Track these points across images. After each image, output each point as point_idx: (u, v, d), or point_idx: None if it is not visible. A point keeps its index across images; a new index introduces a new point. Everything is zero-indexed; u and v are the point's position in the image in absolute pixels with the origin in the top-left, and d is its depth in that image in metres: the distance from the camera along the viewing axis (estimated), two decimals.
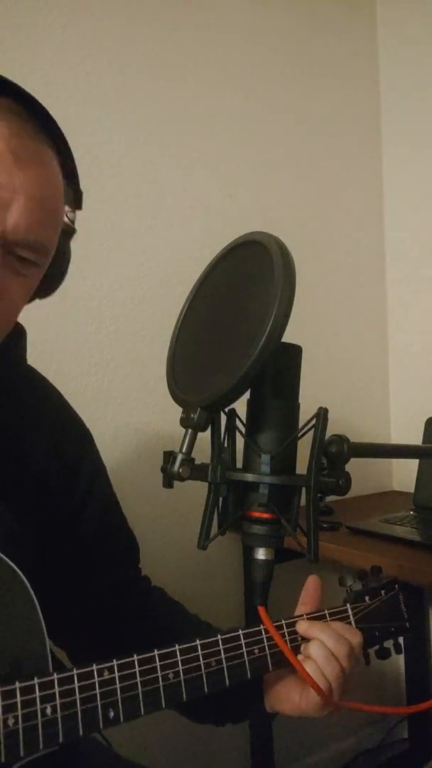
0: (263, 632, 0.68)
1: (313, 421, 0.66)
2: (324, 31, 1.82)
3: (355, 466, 0.66)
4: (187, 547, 1.42)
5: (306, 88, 1.77)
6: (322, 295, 1.78)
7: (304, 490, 0.65)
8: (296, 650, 0.69)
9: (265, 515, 0.64)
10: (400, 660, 1.81)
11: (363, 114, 1.91)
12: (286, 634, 0.70)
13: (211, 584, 1.51)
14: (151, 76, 1.46)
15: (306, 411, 0.67)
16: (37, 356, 1.28)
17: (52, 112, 0.62)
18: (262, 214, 1.64)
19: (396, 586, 0.82)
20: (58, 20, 1.32)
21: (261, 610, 0.66)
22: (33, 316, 1.39)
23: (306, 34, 1.77)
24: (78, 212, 0.66)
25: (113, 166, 1.39)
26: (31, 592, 0.60)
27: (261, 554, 0.65)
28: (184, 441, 0.63)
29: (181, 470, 0.62)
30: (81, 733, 0.54)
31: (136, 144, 1.43)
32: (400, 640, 0.81)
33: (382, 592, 0.80)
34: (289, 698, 0.71)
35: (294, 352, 0.67)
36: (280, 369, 0.66)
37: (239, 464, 0.68)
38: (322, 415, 0.66)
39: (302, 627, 0.70)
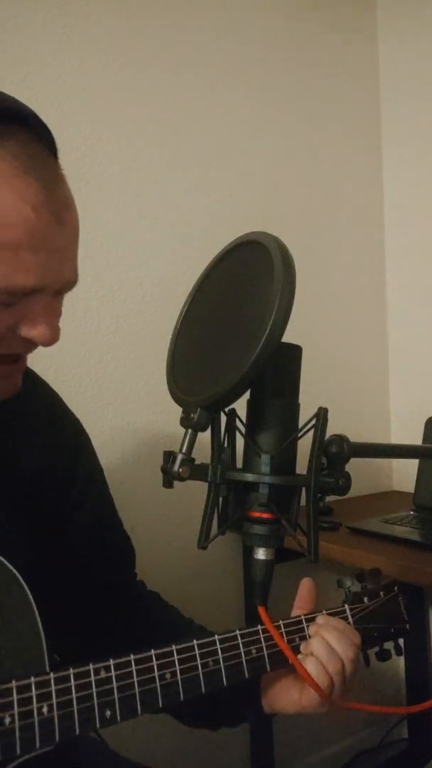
0: (261, 632, 0.68)
1: (313, 421, 0.66)
2: (324, 31, 1.82)
3: (355, 466, 0.66)
4: (187, 547, 1.42)
5: (306, 88, 1.77)
6: (322, 295, 1.78)
7: (304, 490, 0.65)
8: (295, 650, 0.69)
9: (265, 515, 0.64)
10: (399, 660, 1.81)
11: (363, 113, 1.91)
12: (284, 634, 0.70)
13: (211, 584, 1.51)
14: (151, 76, 1.46)
15: (306, 411, 0.67)
16: (37, 356, 1.28)
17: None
18: (262, 214, 1.64)
19: (396, 587, 0.82)
20: (58, 21, 1.32)
21: (261, 610, 0.66)
22: None
23: (306, 34, 1.77)
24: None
25: (113, 166, 1.39)
26: (29, 593, 0.60)
27: (261, 554, 0.65)
28: (184, 441, 0.63)
29: (181, 470, 0.62)
30: (77, 732, 0.54)
31: (136, 144, 1.43)
32: (401, 641, 0.81)
33: (381, 593, 0.80)
34: (288, 696, 0.71)
35: (294, 352, 0.67)
36: (280, 369, 0.66)
37: (239, 464, 0.68)
38: (322, 415, 0.66)
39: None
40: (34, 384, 0.80)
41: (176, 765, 1.45)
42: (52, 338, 0.62)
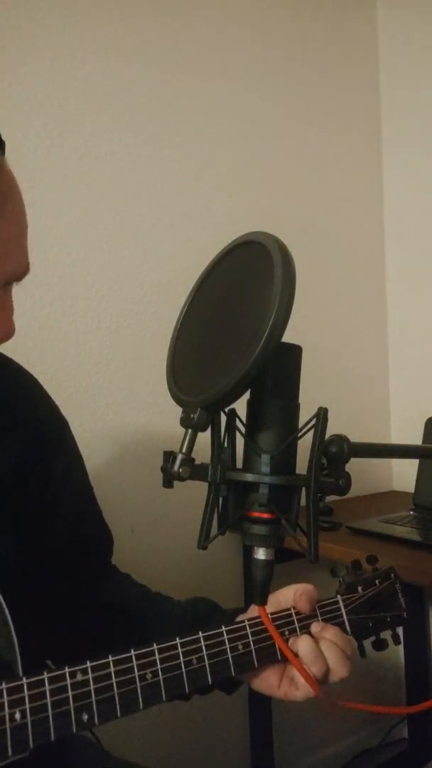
0: (247, 627, 0.67)
1: (313, 421, 0.66)
2: (325, 31, 1.82)
3: (355, 466, 0.65)
4: (187, 547, 1.42)
5: (306, 88, 1.77)
6: (322, 295, 1.78)
7: (304, 490, 0.65)
8: (285, 642, 0.69)
9: (265, 515, 0.63)
10: (400, 660, 1.81)
11: (363, 113, 1.91)
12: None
13: (211, 584, 1.51)
14: (151, 76, 1.46)
15: (306, 411, 0.67)
16: (37, 356, 1.28)
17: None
18: (262, 214, 1.64)
19: (393, 575, 0.80)
20: (58, 21, 1.32)
21: (261, 610, 0.66)
22: (34, 316, 1.39)
23: (306, 35, 1.77)
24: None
25: (113, 166, 1.39)
26: None
27: (261, 554, 0.65)
28: (184, 441, 0.63)
29: (181, 470, 0.62)
30: (52, 737, 0.53)
31: (137, 144, 1.43)
32: (399, 630, 0.79)
33: (377, 581, 0.78)
34: (268, 684, 0.71)
35: (294, 352, 0.67)
36: (280, 369, 0.66)
37: (239, 464, 0.68)
38: (322, 415, 0.65)
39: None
40: (14, 373, 0.80)
41: (175, 765, 1.44)
42: (2, 333, 0.60)
